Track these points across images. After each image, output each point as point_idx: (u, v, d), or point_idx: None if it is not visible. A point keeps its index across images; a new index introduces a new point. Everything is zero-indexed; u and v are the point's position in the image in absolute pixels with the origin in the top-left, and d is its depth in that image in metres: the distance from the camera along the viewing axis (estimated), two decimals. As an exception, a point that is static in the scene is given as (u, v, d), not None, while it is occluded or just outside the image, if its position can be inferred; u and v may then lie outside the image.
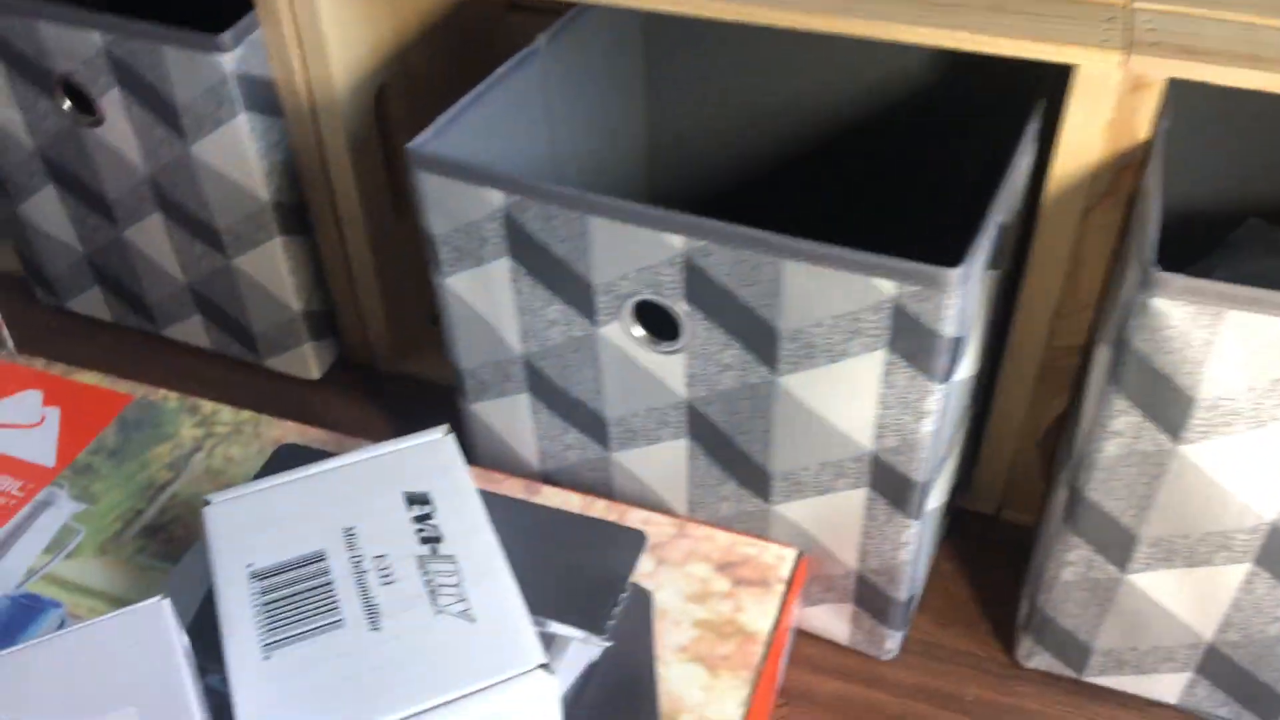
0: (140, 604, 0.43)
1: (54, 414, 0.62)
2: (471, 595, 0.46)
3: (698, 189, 0.73)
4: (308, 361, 0.72)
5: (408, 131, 0.69)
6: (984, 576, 0.62)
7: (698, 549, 0.54)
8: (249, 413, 0.62)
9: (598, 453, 0.55)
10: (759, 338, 0.45)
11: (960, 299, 0.42)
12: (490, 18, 0.77)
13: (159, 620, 0.42)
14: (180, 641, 0.42)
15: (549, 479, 0.59)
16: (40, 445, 0.60)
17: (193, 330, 0.74)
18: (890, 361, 0.44)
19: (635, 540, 0.54)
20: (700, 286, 0.45)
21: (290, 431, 0.61)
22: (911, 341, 0.43)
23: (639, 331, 0.48)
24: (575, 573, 0.53)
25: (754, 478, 0.51)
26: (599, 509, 0.56)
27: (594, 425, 0.54)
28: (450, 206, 0.49)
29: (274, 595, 0.45)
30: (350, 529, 0.49)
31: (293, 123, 0.63)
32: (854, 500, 0.50)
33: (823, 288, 0.43)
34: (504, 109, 0.54)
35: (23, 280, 0.82)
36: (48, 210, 0.72)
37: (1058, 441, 0.59)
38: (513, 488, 0.57)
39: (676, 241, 0.44)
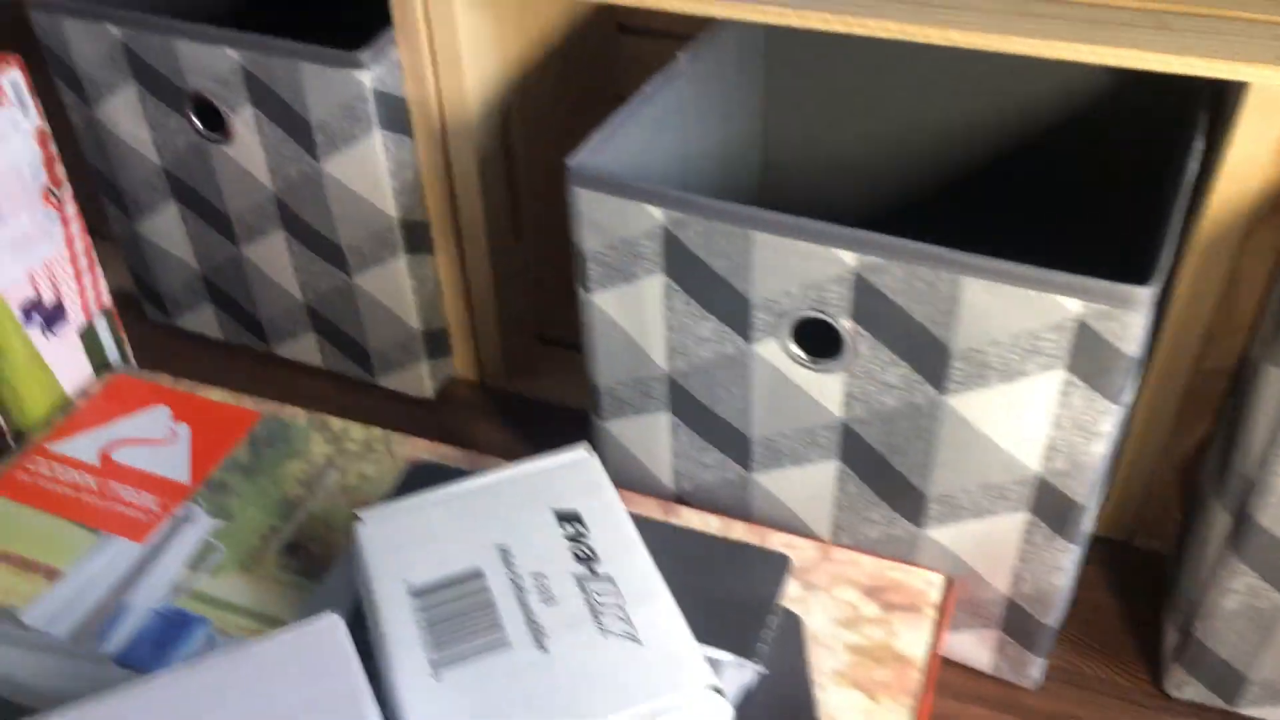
0: (314, 621, 0.43)
1: (184, 430, 0.62)
2: (635, 616, 0.45)
3: (810, 204, 0.73)
4: (423, 380, 0.72)
5: (529, 152, 0.69)
6: (1121, 604, 0.61)
7: (844, 573, 0.53)
8: (378, 430, 0.62)
9: (738, 473, 0.54)
10: (928, 356, 0.45)
11: (1147, 318, 0.41)
12: (603, 40, 0.77)
13: (335, 637, 0.42)
14: (357, 658, 0.42)
15: (682, 499, 0.58)
16: (174, 461, 0.60)
17: (305, 348, 0.74)
18: (1068, 381, 0.43)
19: (779, 563, 0.53)
20: (869, 304, 0.45)
21: (421, 449, 0.60)
22: (1093, 361, 0.42)
23: (796, 350, 0.48)
24: (721, 596, 0.52)
25: (907, 501, 0.50)
26: (738, 531, 0.55)
27: (737, 445, 0.53)
28: (605, 223, 0.48)
29: (436, 613, 0.45)
30: (504, 546, 0.48)
31: (422, 141, 0.63)
32: (1012, 524, 0.49)
33: (1002, 305, 0.42)
34: (649, 127, 0.54)
35: (133, 297, 0.83)
36: (167, 227, 0.72)
37: (1199, 467, 0.58)
38: (648, 508, 0.57)
39: (848, 258, 0.44)
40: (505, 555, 0.48)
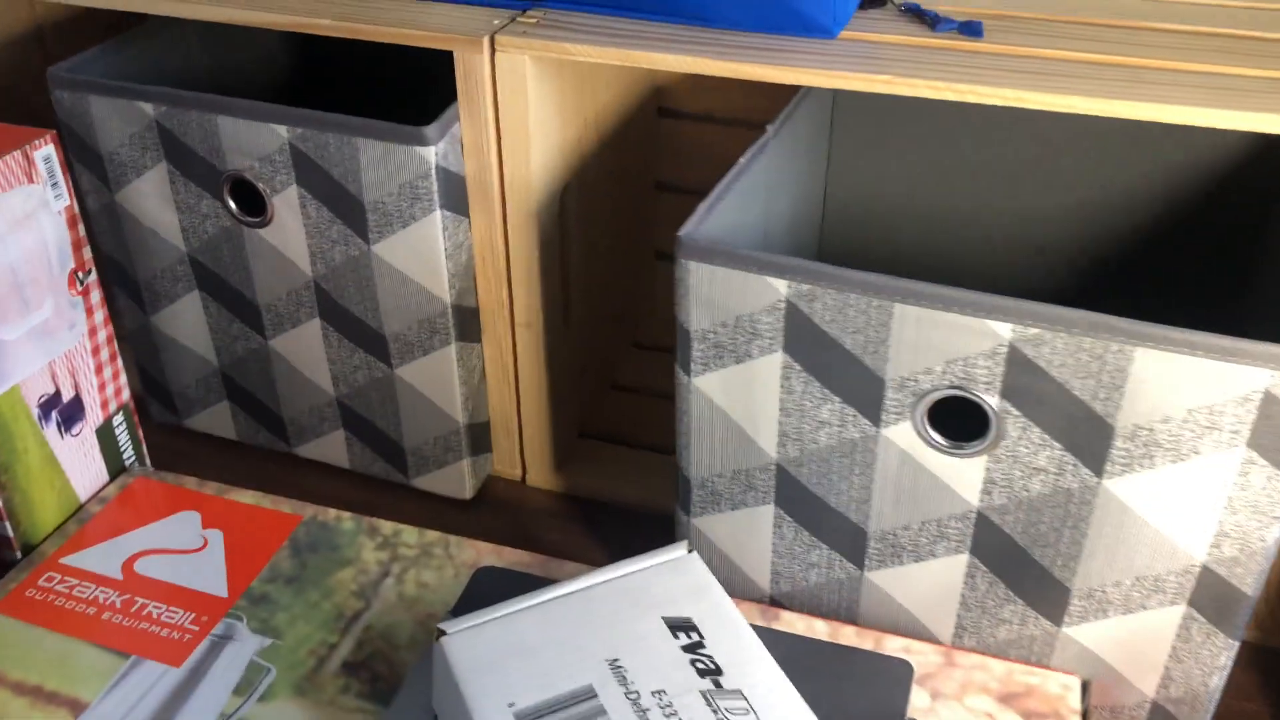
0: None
1: (216, 537, 0.56)
2: (779, 735, 0.40)
3: (869, 264, 0.69)
4: (463, 478, 0.66)
5: (580, 235, 0.66)
6: (1271, 711, 0.56)
7: (972, 679, 0.48)
8: (435, 533, 0.56)
9: (848, 572, 0.50)
10: (1087, 437, 0.41)
11: (1336, 388, 0.38)
12: (646, 123, 0.75)
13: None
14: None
15: (777, 602, 0.53)
16: (208, 572, 0.54)
17: (331, 448, 0.69)
18: (1247, 460, 0.40)
19: (902, 671, 0.48)
20: (1023, 380, 0.41)
21: (485, 553, 0.55)
22: (1277, 436, 0.39)
23: (933, 434, 0.44)
24: (843, 709, 0.47)
25: (1047, 597, 0.46)
26: (848, 636, 0.50)
27: (850, 541, 0.49)
28: (718, 298, 0.45)
29: (554, 739, 0.39)
30: (615, 660, 0.43)
31: (480, 221, 0.59)
32: (1166, 619, 0.45)
33: (1177, 378, 0.39)
34: (742, 198, 0.51)
35: (138, 396, 0.77)
36: (187, 319, 0.67)
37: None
38: (746, 612, 0.52)
39: (1002, 329, 0.40)
40: (617, 670, 0.42)
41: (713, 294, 0.45)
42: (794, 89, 0.71)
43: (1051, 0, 0.58)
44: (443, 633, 0.44)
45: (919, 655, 0.49)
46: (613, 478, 0.69)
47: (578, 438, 0.73)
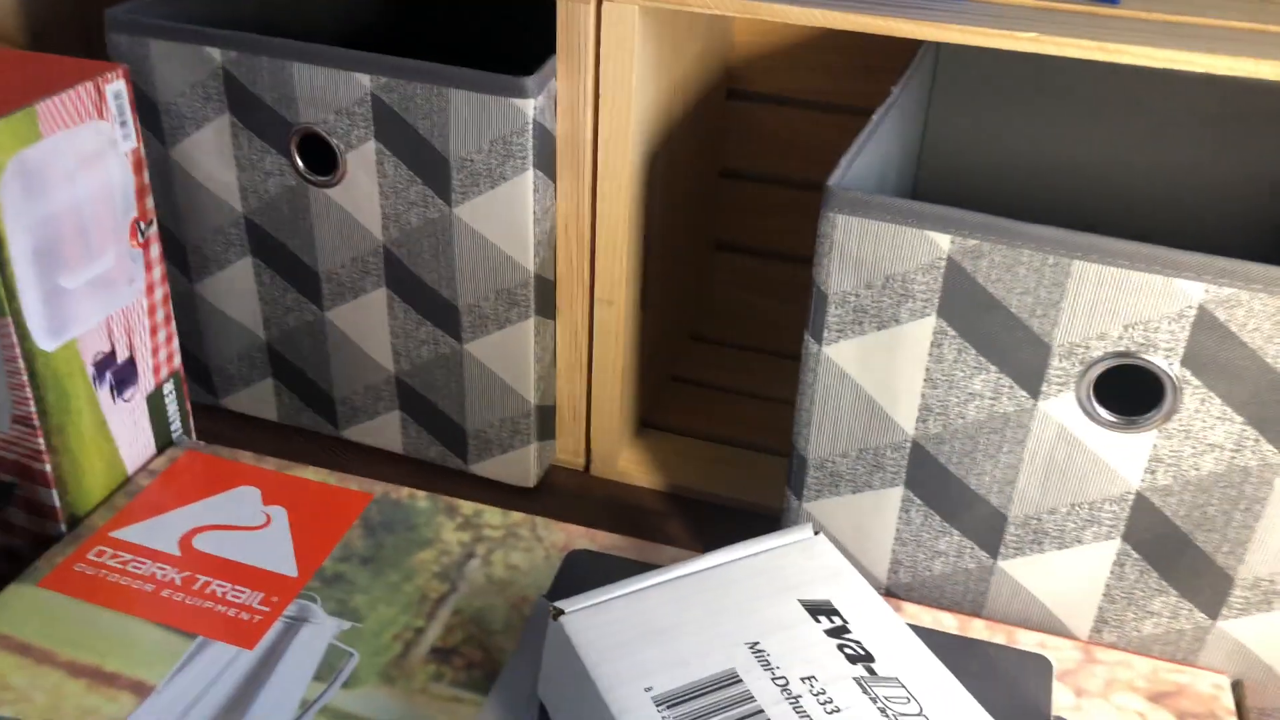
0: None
1: (280, 514, 0.52)
2: (950, 725, 0.36)
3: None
4: (528, 465, 0.62)
5: (662, 209, 0.63)
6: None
7: (1117, 676, 0.45)
8: (520, 515, 0.52)
9: (980, 561, 0.46)
10: (1275, 408, 0.38)
11: None
12: (717, 101, 0.72)
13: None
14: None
15: (892, 593, 0.50)
16: (274, 550, 0.49)
17: (383, 430, 0.65)
18: None
19: (1042, 668, 0.45)
20: (1208, 346, 0.38)
21: (577, 536, 0.51)
22: None
23: (1099, 407, 0.41)
24: (985, 706, 0.43)
25: (1205, 587, 0.43)
26: (977, 630, 0.47)
27: (986, 526, 0.45)
28: (868, 256, 0.42)
29: (708, 725, 0.36)
30: (755, 644, 0.39)
31: (568, 185, 0.56)
32: (1336, 613, 0.42)
33: (1387, 344, 0.36)
34: (872, 154, 0.48)
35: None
36: (235, 287, 0.63)
37: None
38: (863, 603, 0.48)
39: (1194, 290, 0.37)
40: (759, 654, 0.39)
41: (862, 251, 0.42)
42: (880, 66, 0.68)
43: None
44: (561, 611, 0.40)
45: (1055, 651, 0.46)
46: (681, 469, 0.65)
47: (640, 428, 0.69)
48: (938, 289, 0.41)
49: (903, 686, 0.38)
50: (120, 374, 0.52)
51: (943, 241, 0.40)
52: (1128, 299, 0.38)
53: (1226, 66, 0.44)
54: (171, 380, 0.56)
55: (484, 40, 0.79)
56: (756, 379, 0.73)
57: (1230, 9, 0.50)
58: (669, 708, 0.36)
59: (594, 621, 0.40)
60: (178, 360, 0.56)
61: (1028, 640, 0.46)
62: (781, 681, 0.38)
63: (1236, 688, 0.45)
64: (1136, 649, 0.46)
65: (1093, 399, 0.41)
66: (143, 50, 0.57)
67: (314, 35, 0.72)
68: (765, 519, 0.62)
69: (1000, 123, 0.61)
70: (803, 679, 0.38)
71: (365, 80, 0.53)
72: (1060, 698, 0.44)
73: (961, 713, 0.37)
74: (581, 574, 0.49)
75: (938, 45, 0.61)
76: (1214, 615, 0.43)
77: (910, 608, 0.48)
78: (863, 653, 0.39)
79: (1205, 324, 0.38)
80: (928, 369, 0.43)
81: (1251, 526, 0.41)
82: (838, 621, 0.40)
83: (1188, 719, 0.43)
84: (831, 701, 0.37)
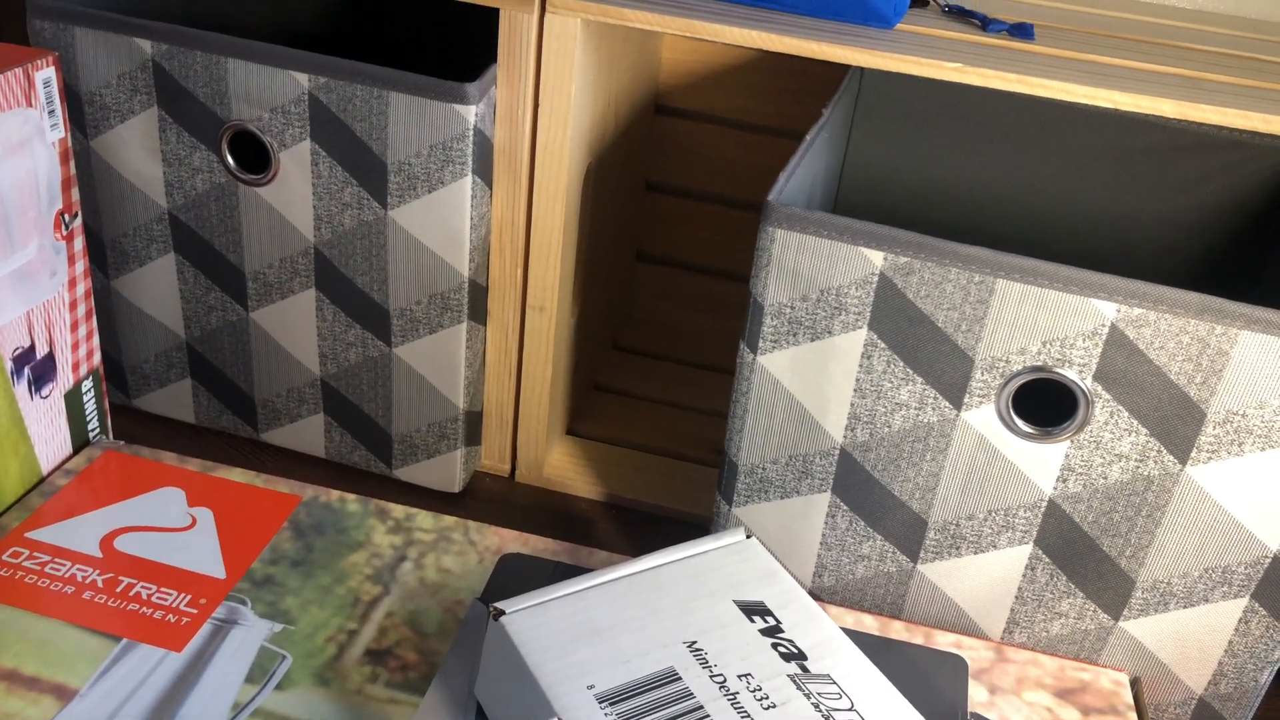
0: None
1: (206, 515, 0.51)
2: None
3: None
4: (454, 471, 0.62)
5: (592, 219, 0.63)
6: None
7: (1027, 674, 0.47)
8: (452, 519, 0.52)
9: (900, 565, 0.48)
10: (1176, 422, 0.41)
11: None
12: (645, 118, 0.73)
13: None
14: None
15: (816, 596, 0.51)
16: (200, 552, 0.49)
17: (305, 433, 0.64)
18: (1334, 448, 0.40)
19: (957, 667, 0.47)
20: (1119, 362, 0.41)
21: (510, 540, 0.51)
22: (1365, 426, 0.40)
23: (1017, 419, 0.43)
24: (901, 702, 0.45)
25: (1109, 589, 0.46)
26: (897, 631, 0.49)
27: (908, 531, 0.48)
28: (804, 270, 0.43)
29: (650, 721, 0.36)
30: (692, 643, 0.40)
31: (504, 192, 0.56)
32: (1227, 612, 0.45)
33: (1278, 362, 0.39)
34: (803, 173, 0.50)
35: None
36: (156, 285, 0.61)
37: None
38: (789, 606, 0.50)
39: (1107, 309, 0.40)
40: (697, 653, 0.40)
41: (799, 264, 0.43)
42: (804, 89, 0.71)
43: (1083, 15, 0.60)
44: (501, 612, 0.41)
45: (970, 650, 0.48)
46: (606, 476, 0.66)
47: (564, 435, 0.70)
48: (869, 303, 0.43)
49: (834, 683, 0.39)
50: (39, 370, 0.50)
51: (876, 258, 0.42)
52: (1047, 316, 0.41)
53: (1131, 103, 0.47)
54: (91, 378, 0.55)
55: (436, 47, 0.78)
56: (676, 389, 0.74)
57: (1128, 50, 0.54)
58: (610, 705, 0.37)
59: (534, 622, 0.40)
60: (98, 358, 0.54)
61: (944, 640, 0.48)
62: (719, 679, 0.39)
63: (1135, 684, 0.48)
64: (1045, 648, 0.48)
65: (1011, 411, 0.43)
66: (68, 37, 0.56)
67: (248, 32, 0.71)
68: (689, 525, 0.63)
69: (919, 147, 0.64)
70: (739, 676, 0.39)
71: (303, 79, 0.53)
72: (975, 695, 0.46)
73: (889, 708, 0.39)
74: (514, 577, 0.49)
75: (862, 70, 0.63)
76: (1116, 616, 0.46)
77: (833, 609, 0.50)
78: (796, 651, 0.41)
79: (1116, 341, 0.41)
80: (857, 379, 0.45)
81: (1152, 532, 0.44)
82: (771, 621, 0.42)
83: (1091, 714, 0.46)
84: (768, 698, 0.38)
